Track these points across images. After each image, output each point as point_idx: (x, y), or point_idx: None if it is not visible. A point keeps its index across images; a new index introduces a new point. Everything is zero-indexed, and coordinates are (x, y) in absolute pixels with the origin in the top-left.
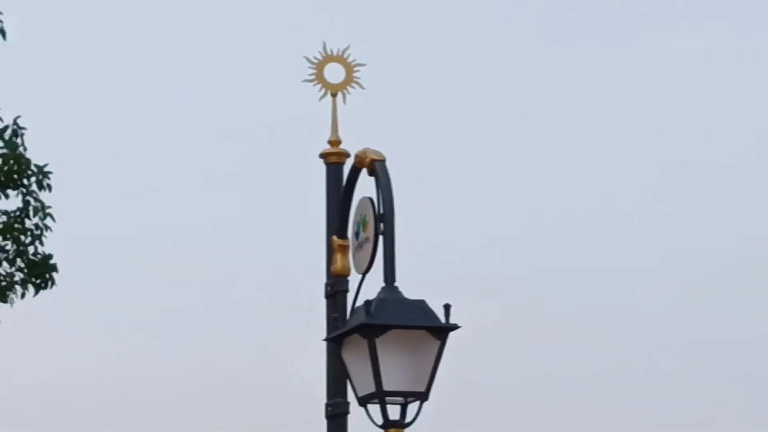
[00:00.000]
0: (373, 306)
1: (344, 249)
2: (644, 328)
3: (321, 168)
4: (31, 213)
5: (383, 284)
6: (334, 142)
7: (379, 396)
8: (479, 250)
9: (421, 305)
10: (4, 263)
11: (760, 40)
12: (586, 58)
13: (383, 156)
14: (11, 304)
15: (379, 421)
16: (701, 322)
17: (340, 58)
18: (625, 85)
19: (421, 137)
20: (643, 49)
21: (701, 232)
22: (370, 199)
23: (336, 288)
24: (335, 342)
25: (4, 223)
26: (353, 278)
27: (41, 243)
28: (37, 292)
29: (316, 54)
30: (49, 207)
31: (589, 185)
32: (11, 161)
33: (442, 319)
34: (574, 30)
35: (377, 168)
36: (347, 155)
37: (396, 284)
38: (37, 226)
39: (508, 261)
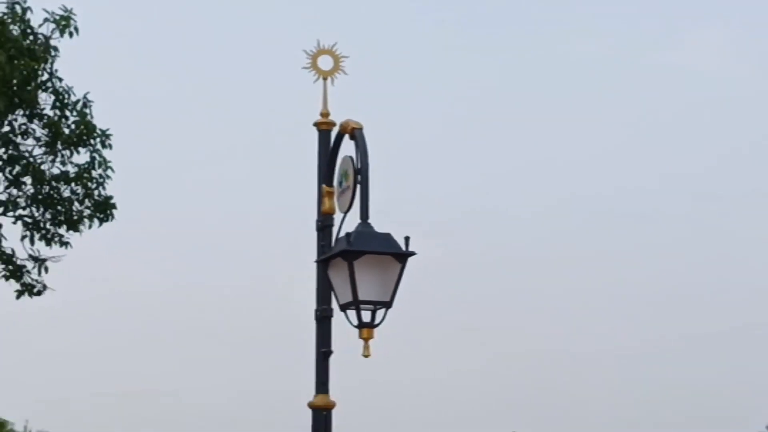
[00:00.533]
0: (351, 237)
1: (331, 194)
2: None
3: (314, 134)
4: (96, 165)
5: (359, 221)
6: (324, 114)
7: (355, 304)
8: (433, 198)
9: (387, 237)
10: (76, 203)
11: (646, 44)
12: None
13: (361, 125)
14: (81, 233)
15: (355, 322)
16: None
17: (330, 51)
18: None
19: (392, 112)
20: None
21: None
22: (351, 158)
23: (324, 223)
24: (323, 263)
25: (76, 173)
26: (337, 216)
27: (104, 188)
28: (100, 224)
29: (311, 48)
30: (109, 161)
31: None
32: (81, 126)
33: (403, 248)
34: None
35: (356, 134)
36: (334, 124)
37: (369, 221)
38: (100, 175)
39: (453, 206)
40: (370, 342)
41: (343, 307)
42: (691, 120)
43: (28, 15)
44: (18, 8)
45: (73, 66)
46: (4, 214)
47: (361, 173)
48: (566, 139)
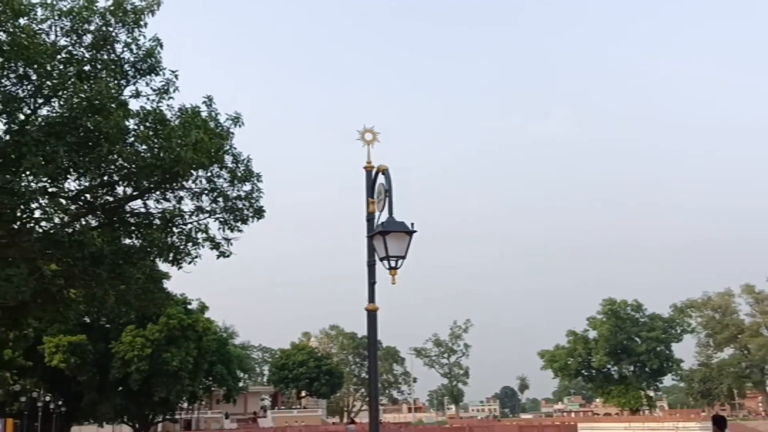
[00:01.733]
0: (384, 223)
1: (373, 203)
2: None
3: (362, 173)
4: (254, 191)
5: (388, 215)
6: (368, 162)
7: (387, 257)
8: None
9: (402, 223)
10: (245, 210)
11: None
12: None
13: (387, 167)
14: (248, 225)
15: (387, 267)
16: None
17: (370, 130)
18: None
19: (403, 159)
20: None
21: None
22: (382, 183)
23: (370, 217)
24: (370, 238)
25: (245, 195)
26: (376, 214)
27: (258, 202)
28: (257, 220)
29: (360, 128)
30: (262, 189)
31: None
32: (247, 172)
33: (411, 228)
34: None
35: (385, 172)
36: (373, 167)
37: (393, 215)
38: (256, 196)
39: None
40: (396, 277)
41: (381, 259)
42: None
43: (217, 116)
44: (213, 113)
45: (242, 141)
46: (209, 217)
47: (388, 191)
48: None
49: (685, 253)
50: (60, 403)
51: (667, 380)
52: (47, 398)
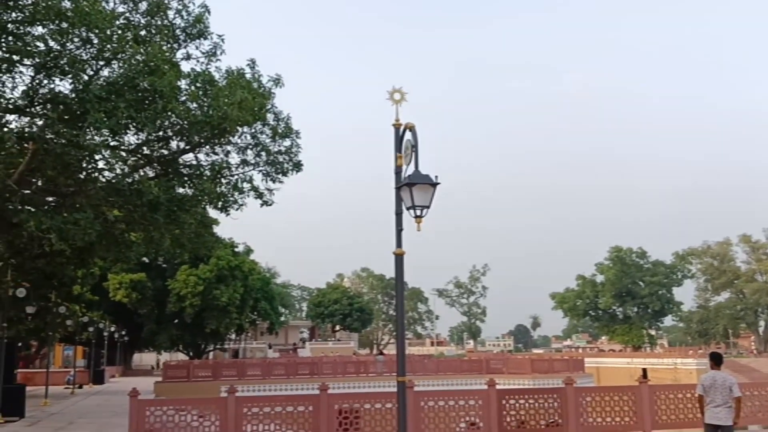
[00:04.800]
0: (410, 176)
1: (400, 157)
2: None
3: (391, 129)
4: (293, 147)
5: (414, 168)
6: (397, 120)
7: (413, 207)
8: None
9: (427, 176)
10: (285, 163)
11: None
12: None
13: (414, 125)
14: (288, 176)
15: (413, 215)
16: None
17: (399, 90)
18: None
19: (433, 117)
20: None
21: None
22: (409, 140)
23: (398, 170)
24: (398, 189)
25: (285, 149)
26: (403, 167)
27: (297, 156)
28: (296, 173)
29: (389, 87)
30: (300, 145)
31: None
32: (287, 128)
33: (435, 181)
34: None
35: (412, 129)
36: (401, 124)
37: (419, 168)
38: (295, 151)
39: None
40: (421, 224)
41: (408, 208)
42: None
43: (260, 77)
44: (256, 75)
45: (283, 100)
46: (253, 169)
47: (414, 147)
48: None
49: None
50: (123, 333)
51: (668, 321)
52: (112, 329)
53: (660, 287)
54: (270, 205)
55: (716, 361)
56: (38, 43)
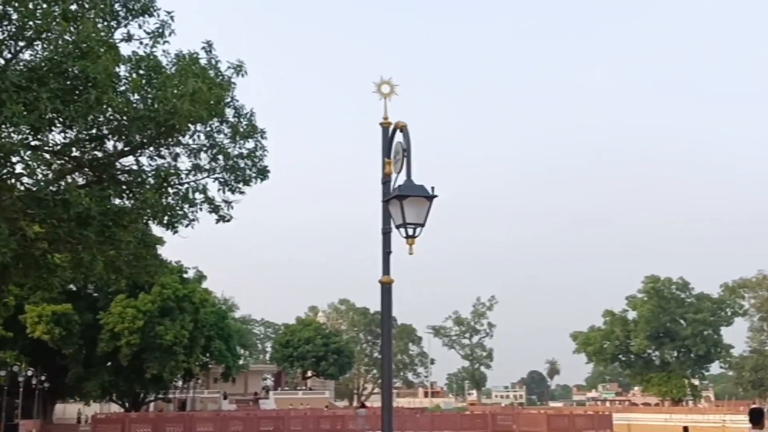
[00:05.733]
0: (401, 187)
1: (389, 163)
2: None
3: (379, 130)
4: (258, 149)
5: (405, 178)
6: (385, 118)
7: (404, 225)
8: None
9: (422, 187)
10: (247, 170)
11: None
12: None
13: (406, 124)
14: (251, 186)
15: (404, 235)
16: None
17: (388, 82)
18: None
19: (425, 116)
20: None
21: None
22: (400, 142)
23: (386, 179)
24: (386, 202)
25: (247, 153)
26: (393, 176)
27: (262, 161)
28: (261, 181)
29: (376, 79)
30: (266, 147)
31: None
32: (250, 127)
33: (431, 193)
34: None
35: (404, 129)
36: (391, 123)
37: (411, 178)
38: (260, 155)
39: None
40: (413, 246)
41: (398, 227)
42: None
43: (219, 64)
44: (213, 61)
45: (245, 92)
46: (207, 177)
47: (406, 151)
48: None
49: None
50: (43, 378)
51: (714, 368)
52: (29, 373)
53: (705, 326)
54: (228, 220)
55: (756, 419)
56: None
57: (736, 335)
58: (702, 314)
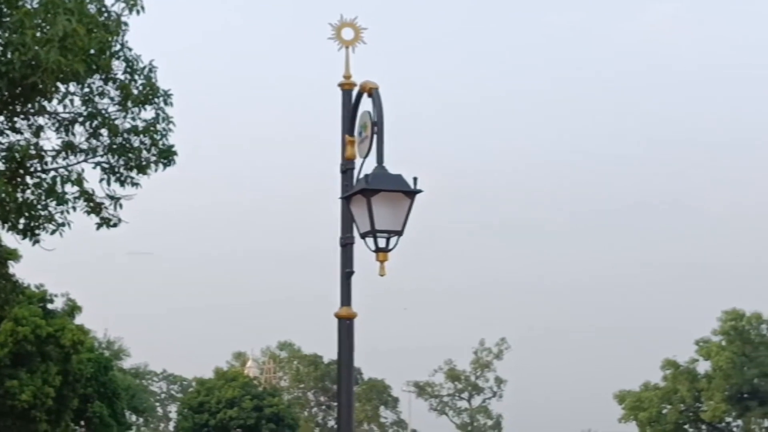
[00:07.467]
0: (369, 177)
1: (352, 143)
2: None
3: (338, 94)
4: (160, 120)
5: (376, 164)
6: (347, 76)
7: (373, 233)
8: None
9: (399, 177)
10: (144, 151)
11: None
12: None
13: (377, 85)
14: (149, 175)
15: (373, 248)
16: None
17: (352, 24)
18: None
19: (403, 74)
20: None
21: None
22: (368, 112)
23: (347, 166)
24: (346, 200)
25: (144, 126)
26: (358, 161)
27: (167, 139)
28: (164, 168)
29: (335, 21)
30: (171, 117)
31: None
32: (148, 88)
33: (412, 186)
34: None
35: (373, 93)
36: (355, 84)
37: (384, 164)
38: (164, 128)
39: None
40: (385, 264)
41: (363, 235)
42: None
43: None
44: None
45: (141, 37)
46: (85, 161)
47: (377, 125)
48: None
49: None
50: None
51: None
52: None
53: None
54: (115, 225)
55: None
56: None
57: None
58: None
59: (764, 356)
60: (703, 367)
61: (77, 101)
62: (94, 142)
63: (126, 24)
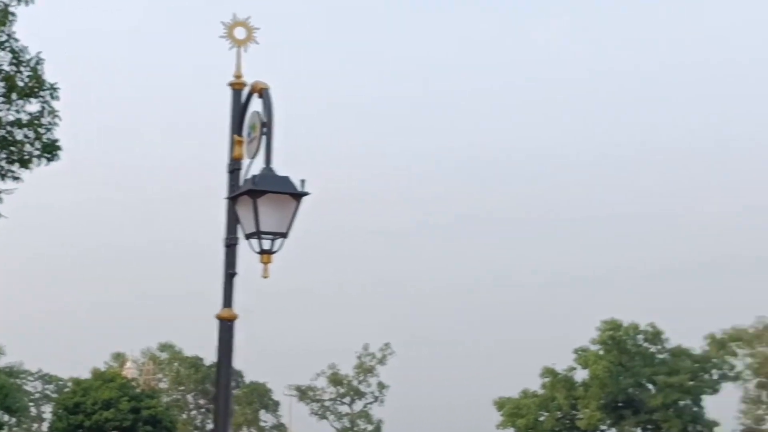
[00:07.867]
0: (256, 178)
1: (240, 143)
2: None
3: (228, 92)
4: (45, 114)
5: (264, 165)
6: (238, 76)
7: (258, 234)
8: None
9: (286, 179)
10: (27, 145)
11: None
12: None
13: (268, 86)
14: (31, 169)
15: (257, 250)
16: None
17: (244, 23)
18: None
19: (294, 75)
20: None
21: None
22: (258, 112)
23: (234, 167)
24: (232, 200)
25: (28, 119)
26: (245, 162)
27: (51, 133)
28: (48, 162)
29: (228, 20)
30: (57, 111)
31: None
32: (34, 80)
33: (299, 188)
34: None
35: (264, 93)
36: (245, 85)
37: (271, 165)
38: (49, 122)
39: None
40: (269, 266)
41: (248, 237)
42: None
43: None
44: None
45: (29, 29)
46: None
47: (266, 126)
48: None
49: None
50: None
51: None
52: None
53: (682, 394)
54: None
55: None
56: None
57: (724, 407)
58: (678, 376)
59: (639, 366)
60: (581, 375)
61: None
62: None
63: (13, 14)
